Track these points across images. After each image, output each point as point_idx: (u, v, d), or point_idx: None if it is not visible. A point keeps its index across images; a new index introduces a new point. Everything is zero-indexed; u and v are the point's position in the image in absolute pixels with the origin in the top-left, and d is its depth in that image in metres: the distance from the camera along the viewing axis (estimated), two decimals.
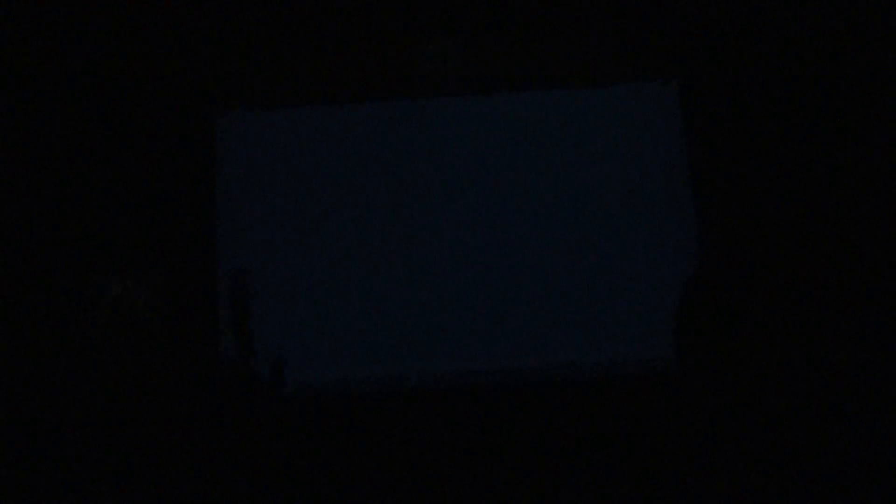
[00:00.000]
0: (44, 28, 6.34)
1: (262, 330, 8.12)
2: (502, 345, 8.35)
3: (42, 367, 5.76)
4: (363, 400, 6.05)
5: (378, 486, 3.97)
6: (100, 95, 6.46)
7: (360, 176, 8.93)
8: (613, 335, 8.19)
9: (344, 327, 7.83)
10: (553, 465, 4.23)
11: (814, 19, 6.31)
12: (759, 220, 6.07)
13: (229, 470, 4.21)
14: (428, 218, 8.81)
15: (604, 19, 7.27)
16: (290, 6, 6.99)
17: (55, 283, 6.03)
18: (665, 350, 6.35)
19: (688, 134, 6.86)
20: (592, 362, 7.95)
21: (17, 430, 4.92)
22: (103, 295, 6.19)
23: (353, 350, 7.84)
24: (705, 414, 4.57)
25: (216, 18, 6.88)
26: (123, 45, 6.54)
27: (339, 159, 8.92)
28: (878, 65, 6.08)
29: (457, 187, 8.87)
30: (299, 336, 7.85)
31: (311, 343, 7.71)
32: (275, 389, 6.99)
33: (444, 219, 8.75)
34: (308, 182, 8.84)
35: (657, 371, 6.45)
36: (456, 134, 8.99)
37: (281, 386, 7.09)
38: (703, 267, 6.13)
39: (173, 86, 6.65)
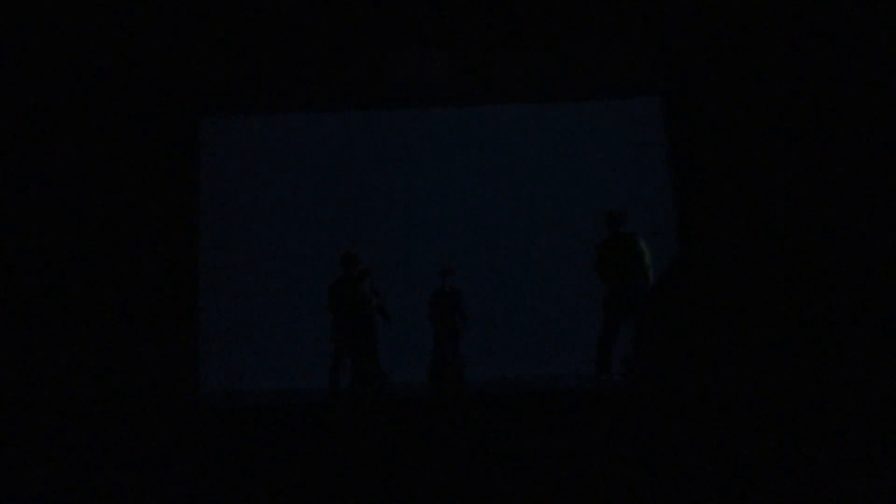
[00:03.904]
0: (33, 34, 6.29)
1: (246, 331, 8.05)
2: (489, 354, 8.32)
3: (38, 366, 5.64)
4: (348, 406, 5.97)
5: (370, 488, 3.91)
6: (86, 100, 6.41)
7: (343, 182, 8.93)
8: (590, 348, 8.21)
9: (329, 333, 7.76)
10: (539, 470, 4.19)
11: (791, 38, 6.44)
12: (739, 229, 6.14)
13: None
14: (410, 225, 8.82)
15: (590, 36, 7.35)
16: (275, 16, 7.00)
17: (46, 282, 5.92)
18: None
19: (670, 148, 6.94)
20: (575, 374, 7.95)
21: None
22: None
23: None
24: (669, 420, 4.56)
25: (201, 26, 6.87)
26: (110, 52, 6.50)
27: (322, 165, 8.92)
28: (852, 82, 6.21)
29: (439, 195, 8.90)
30: (282, 337, 7.77)
31: (292, 347, 7.63)
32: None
33: (426, 227, 8.76)
34: (290, 186, 8.82)
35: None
36: (439, 144, 9.04)
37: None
38: (676, 272, 6.18)
39: (158, 91, 6.61)
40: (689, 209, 6.58)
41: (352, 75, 8.31)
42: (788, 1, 6.39)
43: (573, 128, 8.88)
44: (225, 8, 6.79)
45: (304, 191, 8.84)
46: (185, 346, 6.34)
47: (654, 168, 8.01)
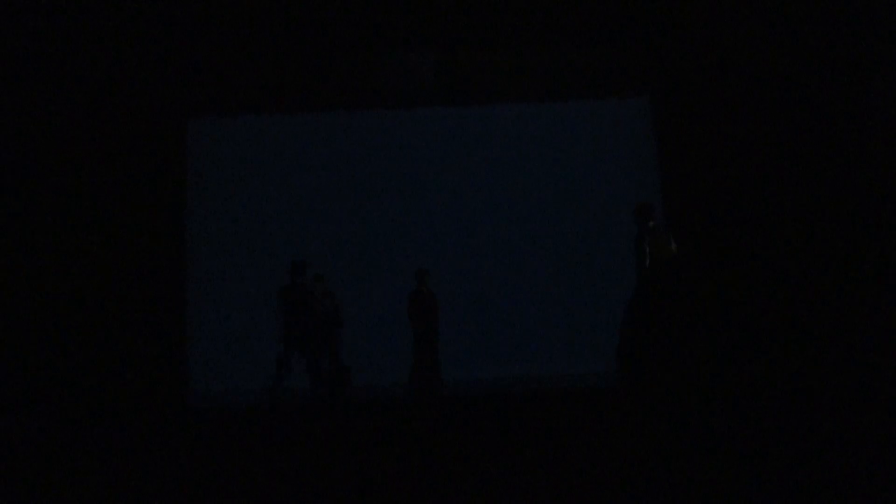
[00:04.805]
0: (22, 37, 6.23)
1: (234, 331, 8.00)
2: (475, 355, 8.32)
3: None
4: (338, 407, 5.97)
5: (359, 488, 3.87)
6: (74, 101, 6.35)
7: (331, 183, 8.90)
8: (587, 347, 8.22)
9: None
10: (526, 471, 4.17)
11: (775, 41, 6.52)
12: (726, 225, 6.19)
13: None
14: (399, 226, 8.80)
15: (580, 38, 7.38)
16: (263, 18, 6.97)
17: (34, 283, 5.86)
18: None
19: (658, 147, 7.01)
20: (561, 374, 7.97)
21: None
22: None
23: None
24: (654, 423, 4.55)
25: (190, 28, 6.83)
26: (98, 53, 6.45)
27: (310, 166, 8.88)
28: (836, 83, 6.30)
29: (428, 196, 8.89)
30: (270, 338, 7.70)
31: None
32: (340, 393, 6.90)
33: (415, 227, 8.76)
34: (278, 187, 8.78)
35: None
36: (428, 144, 9.02)
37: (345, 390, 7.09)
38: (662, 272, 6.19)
39: (146, 92, 6.56)
40: (678, 206, 6.64)
41: (340, 76, 8.31)
42: (772, 6, 6.48)
43: (562, 127, 8.90)
44: (213, 10, 6.77)
45: (293, 191, 8.80)
46: (173, 346, 6.30)
47: (643, 166, 8.05)
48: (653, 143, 7.31)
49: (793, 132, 6.36)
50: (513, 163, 8.88)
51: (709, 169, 6.45)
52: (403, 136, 8.94)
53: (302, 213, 8.74)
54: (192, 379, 7.05)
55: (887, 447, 3.81)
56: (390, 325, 8.09)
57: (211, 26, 6.81)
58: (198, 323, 7.54)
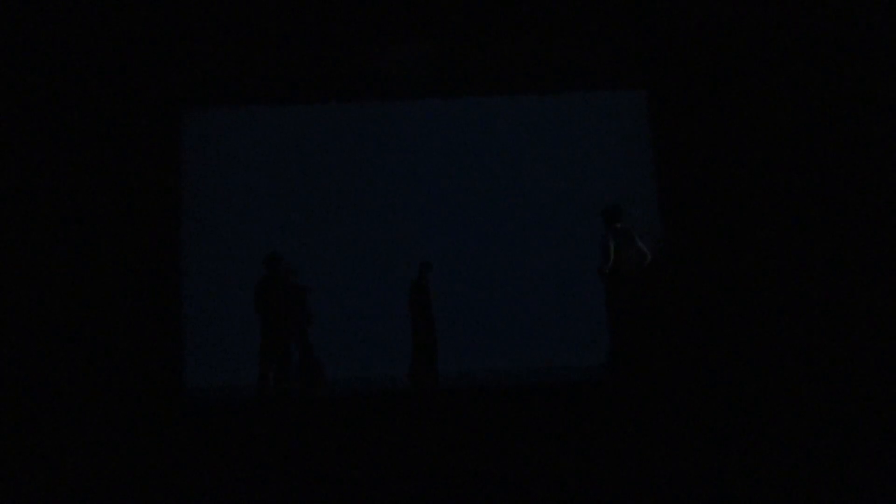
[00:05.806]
0: (14, 27, 6.17)
1: (231, 326, 8.02)
2: (470, 348, 8.36)
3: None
4: (333, 402, 5.99)
5: (353, 484, 3.92)
6: (68, 92, 6.30)
7: (327, 175, 8.89)
8: (581, 341, 8.26)
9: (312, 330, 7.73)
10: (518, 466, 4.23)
11: (772, 37, 6.49)
12: (721, 220, 6.21)
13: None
14: (394, 218, 8.81)
15: (577, 30, 7.32)
16: (259, 7, 6.91)
17: (28, 277, 5.84)
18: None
19: (655, 140, 6.98)
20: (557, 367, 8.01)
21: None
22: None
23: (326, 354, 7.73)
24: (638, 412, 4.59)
25: (185, 18, 6.77)
26: (92, 43, 6.39)
27: (306, 158, 8.87)
28: (835, 78, 6.27)
29: (424, 188, 8.90)
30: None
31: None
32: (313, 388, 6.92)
33: (410, 219, 8.77)
34: (275, 179, 8.78)
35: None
36: (425, 136, 9.01)
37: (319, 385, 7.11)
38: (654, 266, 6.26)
39: (141, 82, 6.51)
40: (673, 199, 6.64)
41: (336, 68, 8.26)
42: (769, 2, 6.44)
43: (558, 120, 8.89)
44: (209, 0, 6.71)
45: (288, 183, 8.80)
46: (169, 341, 6.30)
47: (639, 159, 8.04)
48: (649, 135, 7.30)
49: (791, 127, 6.35)
50: (508, 155, 8.88)
51: (705, 162, 6.45)
52: (398, 127, 8.93)
53: (298, 206, 8.74)
54: (188, 375, 7.08)
55: (885, 446, 3.84)
56: (387, 318, 8.13)
57: (206, 16, 6.76)
58: (193, 318, 7.56)
